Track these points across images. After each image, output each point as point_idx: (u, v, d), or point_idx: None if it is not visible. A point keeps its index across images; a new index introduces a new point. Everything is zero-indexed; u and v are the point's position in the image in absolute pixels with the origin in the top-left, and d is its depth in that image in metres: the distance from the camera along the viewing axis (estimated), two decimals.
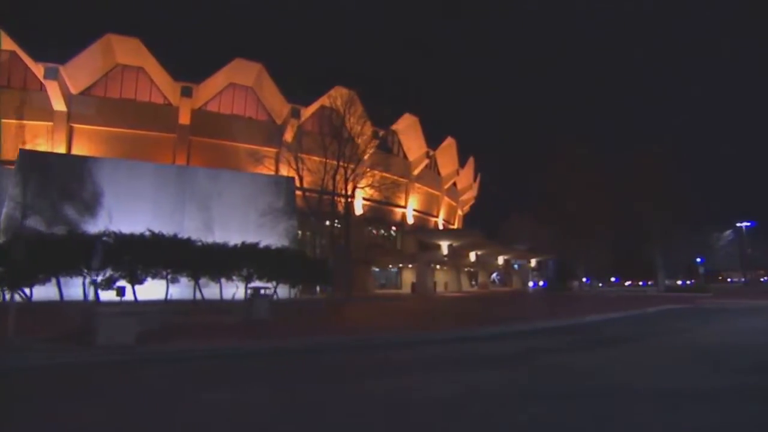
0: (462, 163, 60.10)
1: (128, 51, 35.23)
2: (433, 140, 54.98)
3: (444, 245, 40.14)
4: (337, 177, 30.64)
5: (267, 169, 34.38)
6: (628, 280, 66.26)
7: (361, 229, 46.41)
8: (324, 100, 39.48)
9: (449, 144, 56.02)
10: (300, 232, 35.13)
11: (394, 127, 49.72)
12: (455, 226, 64.87)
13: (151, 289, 22.18)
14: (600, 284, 46.26)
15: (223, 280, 23.05)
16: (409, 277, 47.90)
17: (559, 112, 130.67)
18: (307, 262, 24.39)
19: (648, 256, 39.04)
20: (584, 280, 48.87)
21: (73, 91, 34.29)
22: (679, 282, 46.99)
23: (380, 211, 49.02)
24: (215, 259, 21.22)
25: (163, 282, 21.71)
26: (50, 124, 33.72)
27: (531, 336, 11.31)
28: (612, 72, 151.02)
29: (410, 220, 51.59)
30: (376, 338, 10.51)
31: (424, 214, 55.18)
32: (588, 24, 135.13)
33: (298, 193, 31.53)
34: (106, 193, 24.39)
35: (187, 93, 36.29)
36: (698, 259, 41.29)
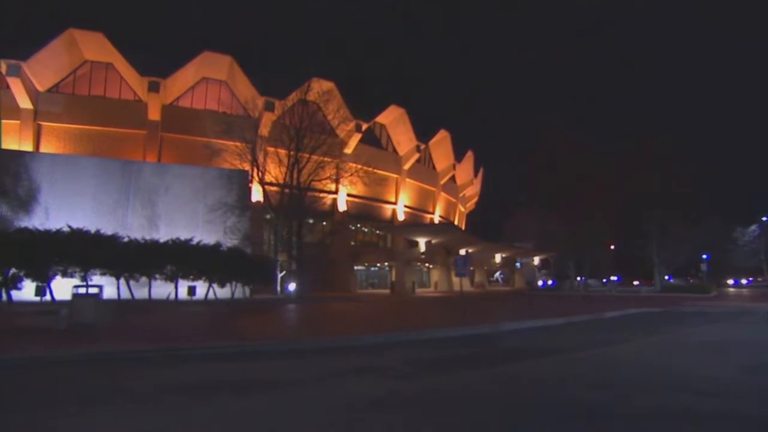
0: (459, 158, 57.59)
1: (95, 47, 34.67)
2: (429, 135, 52.85)
3: (421, 242, 37.91)
4: (294, 171, 29.12)
5: (241, 164, 33.05)
6: (634, 280, 61.87)
7: (345, 225, 44.78)
8: (300, 93, 37.87)
9: (443, 137, 53.64)
10: (282, 230, 33.77)
11: (380, 119, 47.94)
12: (455, 223, 62.43)
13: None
14: (599, 283, 42.94)
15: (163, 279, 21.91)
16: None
17: (561, 104, 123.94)
18: (245, 260, 22.87)
19: (647, 254, 35.84)
20: (580, 279, 45.61)
21: (40, 88, 33.98)
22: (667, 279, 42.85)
23: (367, 208, 47.23)
24: (138, 256, 19.97)
25: (102, 279, 20.62)
26: (18, 122, 33.48)
27: (392, 348, 9.31)
28: (618, 53, 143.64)
29: (401, 217, 49.54)
30: (196, 348, 8.75)
31: (418, 210, 53.00)
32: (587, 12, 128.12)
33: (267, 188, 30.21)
34: (44, 189, 23.56)
35: (154, 88, 35.47)
36: (704, 256, 37.65)
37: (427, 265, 49.52)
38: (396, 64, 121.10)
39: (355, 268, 47.88)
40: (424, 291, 46.36)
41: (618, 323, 14.79)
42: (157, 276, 20.53)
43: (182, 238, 23.29)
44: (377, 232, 47.15)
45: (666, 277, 40.57)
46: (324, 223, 47.58)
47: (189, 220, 26.17)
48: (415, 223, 45.71)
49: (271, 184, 31.09)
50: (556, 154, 41.88)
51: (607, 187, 38.97)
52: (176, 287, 21.07)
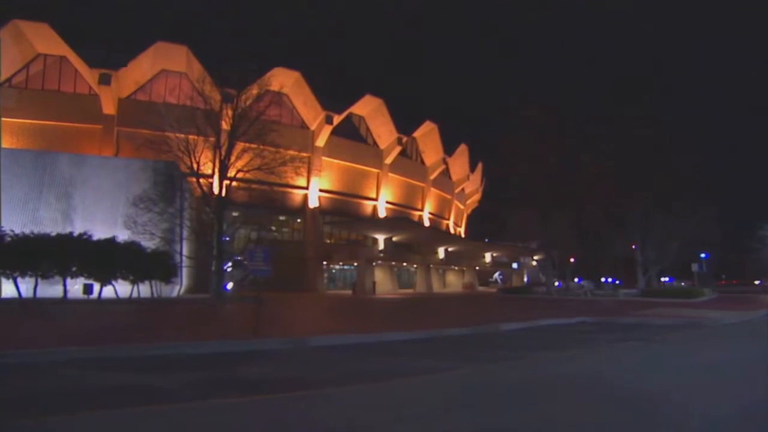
0: (450, 152, 54.33)
1: (44, 39, 34.00)
2: (416, 128, 50.07)
3: (380, 239, 35.08)
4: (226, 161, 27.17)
5: (186, 158, 31.51)
6: (635, 281, 56.14)
7: (316, 222, 42.66)
8: (263, 84, 35.94)
9: (429, 129, 50.65)
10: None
11: (356, 111, 45.58)
12: (449, 222, 59.18)
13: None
14: (592, 285, 38.67)
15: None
16: (378, 275, 42.95)
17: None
18: (140, 256, 21.02)
19: (628, 252, 31.64)
20: (576, 281, 41.40)
21: None
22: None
23: (344, 204, 44.89)
24: (12, 252, 18.44)
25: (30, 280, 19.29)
26: None
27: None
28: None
29: (382, 214, 46.89)
30: None
31: (404, 207, 50.24)
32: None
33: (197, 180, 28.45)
34: None
35: (105, 80, 34.46)
36: (702, 255, 32.96)
37: (413, 265, 46.60)
38: (393, 63, 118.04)
39: (336, 267, 45.64)
40: (404, 292, 43.54)
41: (485, 341, 11.44)
42: (30, 273, 19.00)
43: (99, 233, 21.83)
44: (322, 224, 44.44)
45: (666, 279, 36.00)
46: (299, 220, 45.79)
47: (107, 215, 24.72)
48: (370, 218, 42.86)
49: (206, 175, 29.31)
50: (541, 147, 38.21)
51: (596, 179, 35.07)
52: (64, 285, 19.49)
